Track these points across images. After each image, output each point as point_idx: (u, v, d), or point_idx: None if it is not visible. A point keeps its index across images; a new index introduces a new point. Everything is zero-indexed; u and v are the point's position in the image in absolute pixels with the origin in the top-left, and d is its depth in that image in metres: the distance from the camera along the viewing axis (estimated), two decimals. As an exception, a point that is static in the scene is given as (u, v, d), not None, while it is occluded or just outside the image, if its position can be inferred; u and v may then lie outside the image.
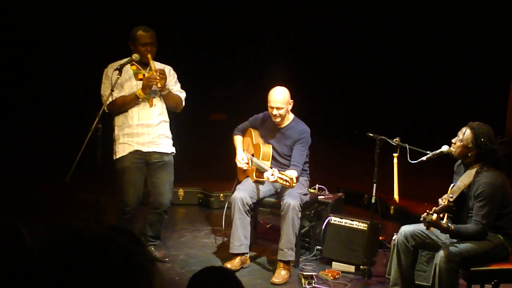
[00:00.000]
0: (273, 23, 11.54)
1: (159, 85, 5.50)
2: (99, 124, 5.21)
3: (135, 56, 5.54)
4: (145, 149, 5.70)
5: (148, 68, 5.63)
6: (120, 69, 5.39)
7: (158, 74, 5.48)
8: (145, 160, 5.73)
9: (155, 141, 5.73)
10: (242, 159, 6.08)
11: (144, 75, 5.63)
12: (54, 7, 10.23)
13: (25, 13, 10.18)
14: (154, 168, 5.78)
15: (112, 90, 5.38)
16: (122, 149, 5.66)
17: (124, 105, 5.61)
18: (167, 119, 5.84)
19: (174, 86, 5.80)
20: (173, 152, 5.87)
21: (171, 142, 5.87)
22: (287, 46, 11.63)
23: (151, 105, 5.68)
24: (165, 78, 5.57)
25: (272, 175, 5.57)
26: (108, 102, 5.46)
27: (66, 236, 1.46)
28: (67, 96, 10.05)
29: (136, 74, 5.65)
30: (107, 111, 5.50)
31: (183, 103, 5.86)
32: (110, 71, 5.55)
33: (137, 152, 5.67)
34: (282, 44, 11.51)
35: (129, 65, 5.61)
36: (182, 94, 5.85)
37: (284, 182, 5.48)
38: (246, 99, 9.02)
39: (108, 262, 1.43)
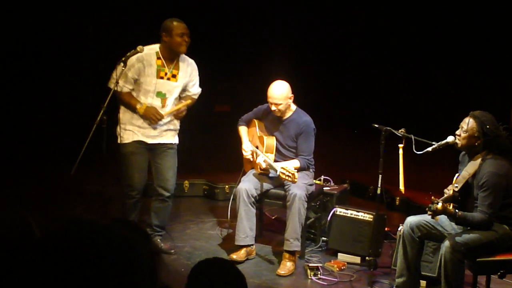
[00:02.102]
0: (277, 14, 11.51)
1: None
2: (104, 116, 5.22)
3: (140, 48, 5.49)
4: (149, 141, 5.76)
5: (172, 66, 5.62)
6: (124, 61, 5.38)
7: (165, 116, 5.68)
8: (148, 146, 5.78)
9: (160, 135, 5.78)
10: (247, 147, 6.10)
11: (166, 73, 5.62)
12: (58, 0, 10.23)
13: (28, 6, 10.17)
14: (158, 152, 5.84)
15: (117, 82, 5.38)
16: (127, 136, 5.69)
17: (125, 104, 5.64)
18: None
19: (192, 87, 5.85)
20: (176, 143, 5.91)
21: (175, 133, 5.90)
22: (291, 37, 11.59)
23: (163, 105, 5.69)
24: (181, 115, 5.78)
25: (264, 161, 5.82)
26: (118, 90, 5.46)
27: (64, 227, 1.46)
28: (72, 88, 10.05)
29: (158, 71, 5.62)
30: (115, 89, 5.45)
31: (195, 100, 5.97)
32: (135, 61, 5.50)
33: (141, 141, 5.71)
34: (286, 35, 11.48)
35: (155, 58, 5.59)
36: (196, 95, 5.94)
37: (286, 177, 5.52)
38: (249, 90, 9.00)
39: (107, 252, 1.43)
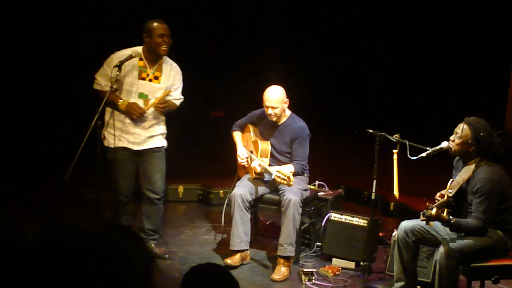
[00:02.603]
0: (272, 19, 11.52)
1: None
2: (99, 121, 5.23)
3: (134, 53, 5.51)
4: (134, 147, 5.72)
5: (155, 68, 5.62)
6: (119, 66, 5.39)
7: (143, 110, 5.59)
8: (134, 152, 5.76)
9: (145, 141, 5.74)
10: (242, 154, 6.09)
11: (148, 74, 5.61)
12: (53, 3, 10.22)
13: (23, 9, 10.16)
14: (145, 156, 5.80)
15: (111, 87, 5.39)
16: (112, 141, 5.65)
17: (107, 103, 5.56)
18: (162, 118, 5.83)
19: (175, 91, 5.79)
20: (163, 146, 5.87)
21: (162, 137, 5.85)
22: (286, 42, 11.61)
23: (145, 107, 5.66)
24: (164, 108, 5.67)
25: (259, 165, 5.81)
26: (99, 88, 5.56)
27: (59, 233, 1.46)
28: (66, 93, 10.04)
29: (140, 72, 5.61)
30: (96, 88, 5.60)
31: (177, 107, 5.89)
32: (116, 60, 5.52)
33: (126, 148, 5.70)
34: (281, 40, 11.50)
35: (137, 59, 5.58)
36: (179, 101, 5.87)
37: (282, 180, 5.52)
38: (244, 95, 9.01)
39: (101, 258, 1.43)
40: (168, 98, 5.74)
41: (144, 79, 5.61)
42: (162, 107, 5.66)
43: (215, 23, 11.52)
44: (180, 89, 5.85)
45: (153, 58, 5.62)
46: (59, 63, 10.26)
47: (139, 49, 5.62)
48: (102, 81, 5.60)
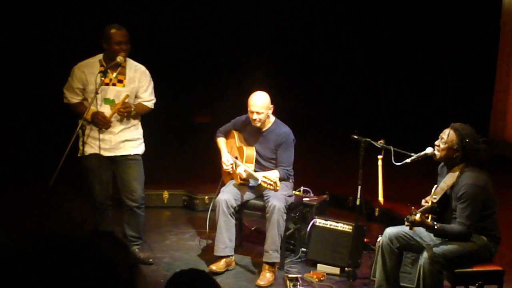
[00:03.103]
0: (256, 24, 11.54)
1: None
2: (84, 128, 5.20)
3: (120, 58, 5.47)
4: (106, 154, 5.66)
5: (117, 71, 5.58)
6: (104, 72, 5.36)
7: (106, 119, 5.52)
8: (107, 158, 5.70)
9: (117, 147, 5.68)
10: (227, 160, 6.08)
11: (110, 79, 5.56)
12: (34, 9, 10.19)
13: (4, 14, 10.13)
14: (120, 164, 5.75)
15: (96, 93, 5.36)
16: (85, 149, 5.61)
17: (78, 115, 5.54)
18: (134, 124, 5.76)
19: (144, 93, 5.71)
20: (138, 153, 5.80)
21: (136, 143, 5.79)
22: (271, 48, 11.63)
23: (111, 113, 5.61)
24: (128, 113, 5.58)
25: (244, 171, 5.79)
26: (66, 102, 5.59)
27: (41, 240, 1.45)
28: (51, 100, 9.99)
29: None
30: (65, 102, 5.62)
31: (151, 108, 5.82)
32: (77, 71, 5.54)
33: (98, 155, 5.64)
34: (266, 46, 11.52)
35: (98, 66, 5.53)
36: (150, 103, 5.78)
37: (268, 186, 5.51)
38: (230, 101, 9.02)
39: (84, 264, 1.42)
40: (138, 100, 5.69)
41: (107, 84, 5.55)
42: (125, 111, 5.55)
43: (199, 27, 11.52)
44: (150, 90, 5.77)
45: (114, 63, 5.58)
46: (42, 68, 10.21)
47: (101, 55, 5.60)
48: (68, 95, 5.60)
